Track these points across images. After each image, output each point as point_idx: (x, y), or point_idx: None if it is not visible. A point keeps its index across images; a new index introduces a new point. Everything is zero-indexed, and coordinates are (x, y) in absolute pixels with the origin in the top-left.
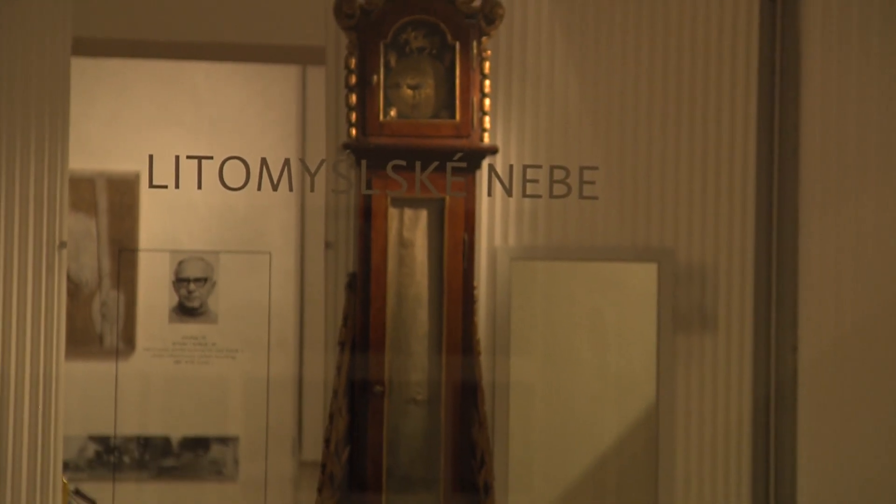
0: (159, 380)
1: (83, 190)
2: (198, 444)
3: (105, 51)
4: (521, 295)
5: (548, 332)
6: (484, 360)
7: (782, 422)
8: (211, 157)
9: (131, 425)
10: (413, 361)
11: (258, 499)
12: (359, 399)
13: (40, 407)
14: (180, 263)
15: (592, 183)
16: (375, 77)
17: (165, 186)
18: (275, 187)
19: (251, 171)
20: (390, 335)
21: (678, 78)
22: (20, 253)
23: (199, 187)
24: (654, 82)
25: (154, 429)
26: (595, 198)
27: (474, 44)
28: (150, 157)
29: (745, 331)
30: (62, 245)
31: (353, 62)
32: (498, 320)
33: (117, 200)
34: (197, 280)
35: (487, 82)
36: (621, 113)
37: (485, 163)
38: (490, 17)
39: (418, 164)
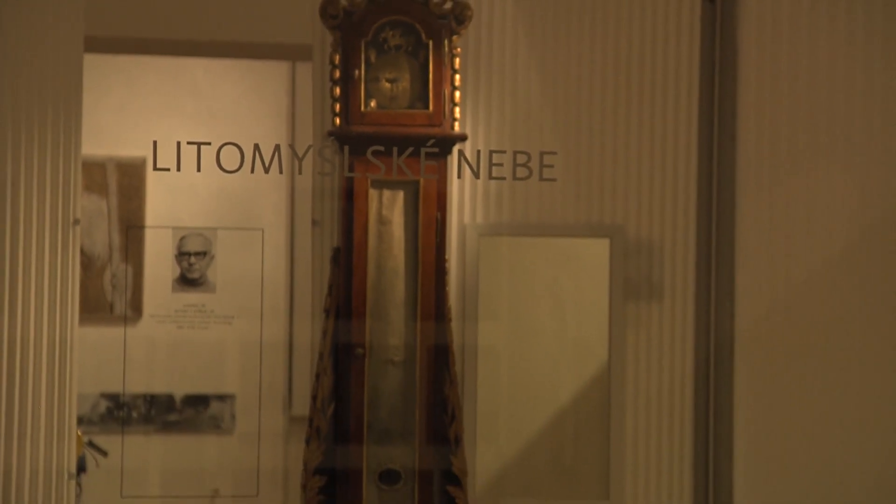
0: (163, 343)
1: (95, 173)
2: (198, 401)
3: (114, 48)
4: (488, 267)
5: (512, 301)
6: (454, 325)
7: (721, 379)
8: (209, 143)
9: (138, 384)
10: (391, 327)
11: (252, 450)
12: (342, 360)
13: (56, 368)
14: (182, 239)
15: (551, 166)
16: (357, 72)
17: (168, 169)
18: (266, 170)
19: (245, 156)
20: (370, 303)
21: (628, 72)
22: (38, 229)
23: (199, 170)
24: (607, 76)
25: (159, 387)
26: (554, 180)
27: (446, 42)
28: (154, 143)
29: (688, 299)
30: (76, 222)
31: (337, 58)
32: (467, 290)
33: (126, 182)
34: (197, 254)
35: (458, 76)
36: (577, 104)
37: (455, 148)
38: (460, 18)
39: (395, 150)
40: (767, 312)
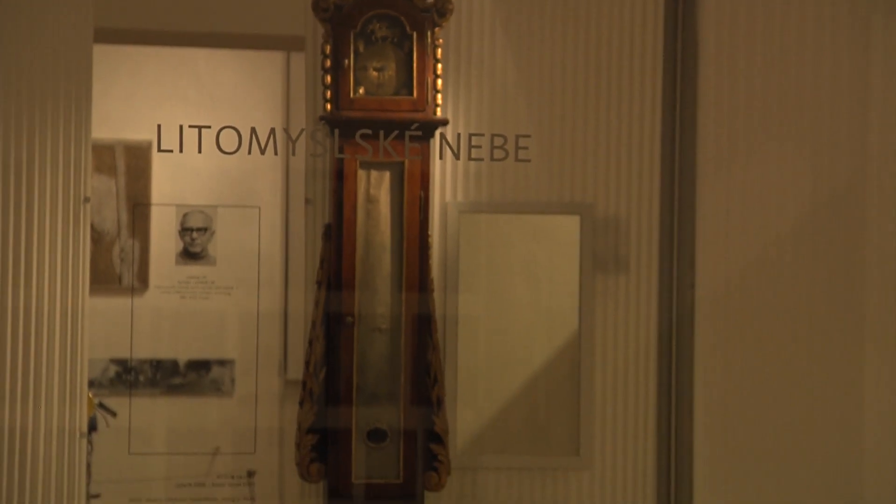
0: (168, 312)
1: (104, 155)
2: (200, 366)
3: (121, 39)
4: (468, 242)
5: (490, 274)
6: (437, 296)
7: (682, 346)
8: (209, 127)
9: (145, 350)
10: (378, 297)
11: (250, 411)
12: (333, 328)
13: (69, 335)
14: (185, 216)
15: (526, 149)
16: (346, 61)
17: (172, 151)
18: (262, 152)
19: (243, 138)
20: (359, 275)
21: (597, 62)
22: (52, 207)
23: (200, 152)
24: (578, 66)
25: (164, 353)
26: (528, 161)
27: (429, 34)
28: (159, 126)
29: (652, 271)
30: (86, 200)
31: (328, 49)
32: (448, 263)
33: (133, 164)
34: (199, 230)
35: (439, 65)
36: (551, 91)
37: (437, 132)
38: (441, 11)
39: (382, 133)
40: (725, 284)
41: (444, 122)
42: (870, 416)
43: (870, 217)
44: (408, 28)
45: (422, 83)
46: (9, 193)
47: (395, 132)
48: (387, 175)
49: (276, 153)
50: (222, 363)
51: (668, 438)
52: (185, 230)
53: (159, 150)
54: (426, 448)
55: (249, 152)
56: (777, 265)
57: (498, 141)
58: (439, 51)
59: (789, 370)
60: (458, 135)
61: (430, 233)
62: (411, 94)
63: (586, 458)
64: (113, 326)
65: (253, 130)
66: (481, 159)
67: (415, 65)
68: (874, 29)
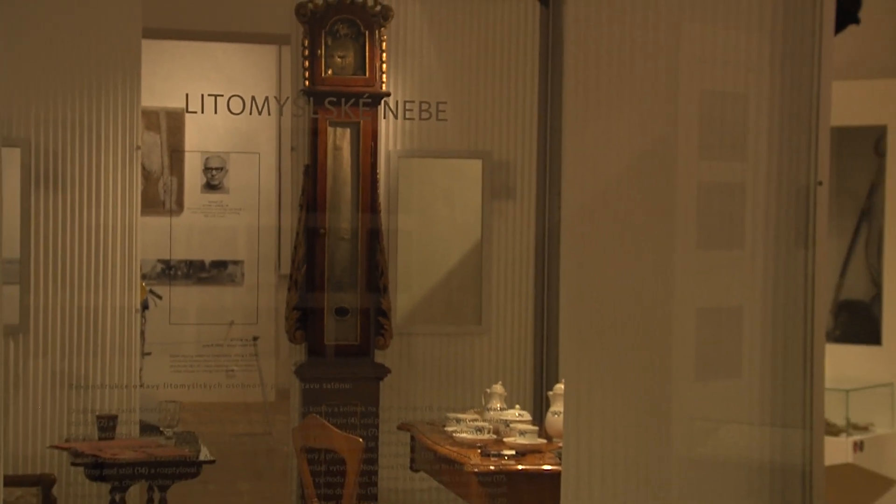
0: (196, 227)
1: (151, 118)
2: (220, 264)
3: (162, 35)
4: (404, 178)
5: (419, 200)
6: (383, 216)
7: (552, 248)
8: (223, 95)
9: (181, 253)
10: (342, 216)
11: (254, 296)
12: (311, 237)
13: (127, 243)
14: (207, 159)
15: (444, 111)
16: (319, 51)
17: (196, 112)
18: (260, 113)
19: (246, 104)
20: (329, 201)
21: (493, 53)
22: (114, 153)
23: (216, 112)
24: (479, 55)
25: (194, 255)
26: (445, 120)
27: (377, 32)
28: (187, 95)
29: (531, 197)
30: (138, 148)
31: (306, 42)
32: (391, 193)
33: (171, 123)
34: (217, 169)
35: (384, 54)
36: (461, 70)
37: (382, 101)
38: (385, 16)
39: (343, 101)
40: (584, 205)
41: (387, 94)
42: (680, 296)
43: (689, 154)
44: (362, 28)
45: (372, 66)
46: (83, 144)
47: (353, 100)
48: (348, 131)
49: (269, 114)
50: (235, 262)
51: (542, 313)
52: (207, 169)
53: (187, 111)
54: (375, 320)
55: (250, 113)
56: (622, 194)
57: (424, 106)
58: (384, 44)
59: (645, 273)
60: (397, 102)
61: (378, 171)
62: (364, 74)
63: (486, 326)
64: (158, 237)
65: (253, 98)
66: (413, 119)
67: (367, 53)
68: None
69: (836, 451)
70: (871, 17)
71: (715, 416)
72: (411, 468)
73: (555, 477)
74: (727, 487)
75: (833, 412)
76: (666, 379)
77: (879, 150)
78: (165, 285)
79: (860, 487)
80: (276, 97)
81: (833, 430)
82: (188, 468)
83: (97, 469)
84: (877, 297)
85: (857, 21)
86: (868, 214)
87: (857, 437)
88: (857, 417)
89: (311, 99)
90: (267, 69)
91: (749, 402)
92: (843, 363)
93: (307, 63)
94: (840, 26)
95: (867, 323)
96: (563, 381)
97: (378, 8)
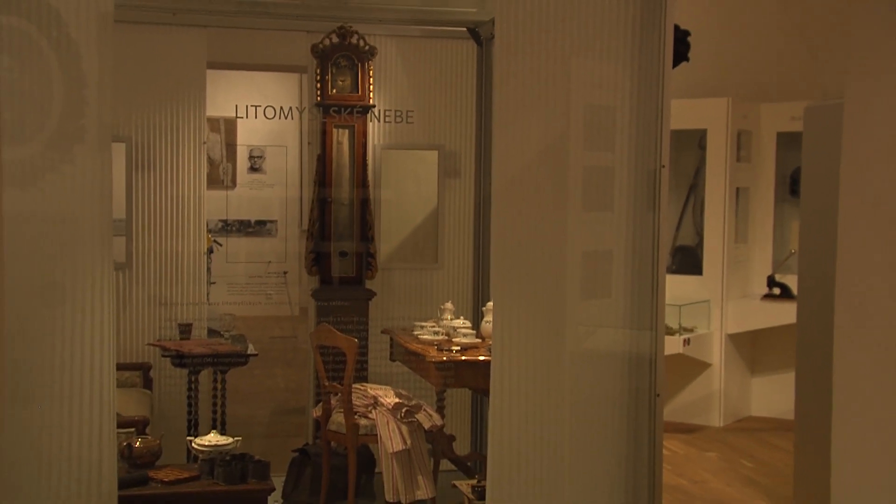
0: (245, 197)
1: (213, 123)
2: (261, 223)
3: (221, 66)
4: (385, 164)
5: (397, 179)
6: (371, 189)
7: (486, 210)
8: (261, 106)
9: (235, 214)
10: (342, 189)
11: (284, 244)
12: (321, 203)
13: (196, 208)
14: (251, 150)
15: (412, 117)
16: (327, 77)
17: (243, 118)
18: (286, 118)
19: (277, 112)
20: (333, 178)
21: (445, 77)
22: (186, 147)
23: (256, 118)
24: (436, 78)
25: (243, 216)
26: (412, 123)
27: (367, 63)
28: (236, 106)
29: (471, 175)
30: (204, 143)
31: (318, 71)
32: (375, 174)
33: (227, 126)
34: (258, 157)
35: (371, 79)
36: (424, 89)
37: (370, 111)
38: (372, 53)
39: (343, 111)
40: (507, 182)
41: (373, 106)
42: (571, 243)
43: (577, 146)
44: (356, 61)
45: (363, 87)
46: (167, 140)
47: (350, 110)
48: (346, 131)
49: (293, 119)
50: (272, 221)
51: (479, 254)
52: (251, 157)
53: (237, 117)
54: (366, 260)
55: (280, 119)
56: (533, 174)
57: (398, 113)
58: (371, 72)
59: (562, 232)
60: (380, 111)
61: (367, 159)
62: (358, 92)
63: (440, 264)
64: (219, 204)
65: (282, 108)
66: (391, 122)
67: (359, 78)
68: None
69: (672, 345)
70: (695, 57)
71: (594, 323)
72: (390, 359)
73: (487, 365)
74: (600, 371)
75: (670, 319)
76: (562, 298)
77: (701, 145)
78: (224, 236)
79: (687, 369)
80: (297, 108)
81: (670, 332)
82: (240, 359)
83: (179, 359)
84: (700, 244)
85: (687, 60)
86: (694, 188)
87: (686, 335)
88: (686, 322)
89: (321, 109)
90: (292, 89)
91: (616, 313)
92: (677, 287)
93: (319, 85)
94: (676, 62)
95: (693, 260)
96: (492, 300)
97: (367, 48)
